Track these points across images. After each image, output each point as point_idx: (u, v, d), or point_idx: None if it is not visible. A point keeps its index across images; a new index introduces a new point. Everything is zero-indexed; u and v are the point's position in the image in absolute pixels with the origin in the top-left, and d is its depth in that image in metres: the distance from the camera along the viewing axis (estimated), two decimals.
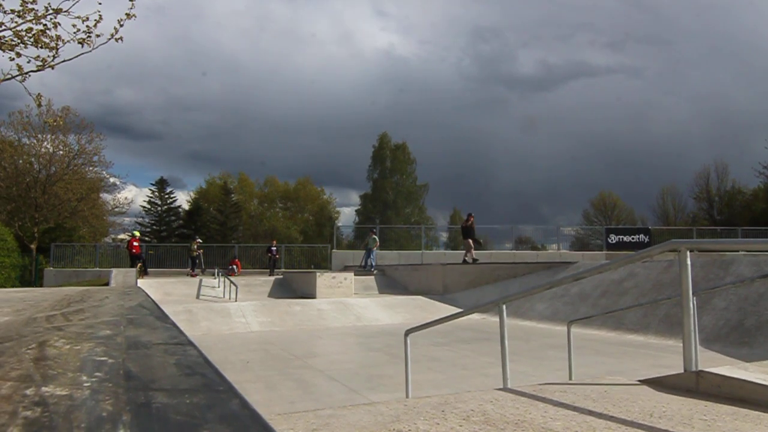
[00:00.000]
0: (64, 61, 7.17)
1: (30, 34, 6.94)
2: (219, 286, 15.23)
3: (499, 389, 2.70)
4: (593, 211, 45.14)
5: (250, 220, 43.92)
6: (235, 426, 0.72)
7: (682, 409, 2.17)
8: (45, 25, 7.00)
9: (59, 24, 7.02)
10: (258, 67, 68.05)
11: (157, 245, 26.82)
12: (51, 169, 27.07)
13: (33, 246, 25.04)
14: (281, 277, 17.80)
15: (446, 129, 63.61)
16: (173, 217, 43.32)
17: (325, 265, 23.44)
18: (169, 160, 65.35)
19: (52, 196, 26.64)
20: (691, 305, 2.66)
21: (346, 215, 54.94)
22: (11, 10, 6.81)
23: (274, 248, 22.08)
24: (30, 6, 6.90)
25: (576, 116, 63.11)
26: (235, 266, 21.07)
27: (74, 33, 7.04)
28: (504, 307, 3.53)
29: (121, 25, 7.25)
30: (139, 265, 17.68)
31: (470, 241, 16.78)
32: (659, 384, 2.64)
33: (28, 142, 27.28)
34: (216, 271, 16.91)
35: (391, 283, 17.43)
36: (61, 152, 27.62)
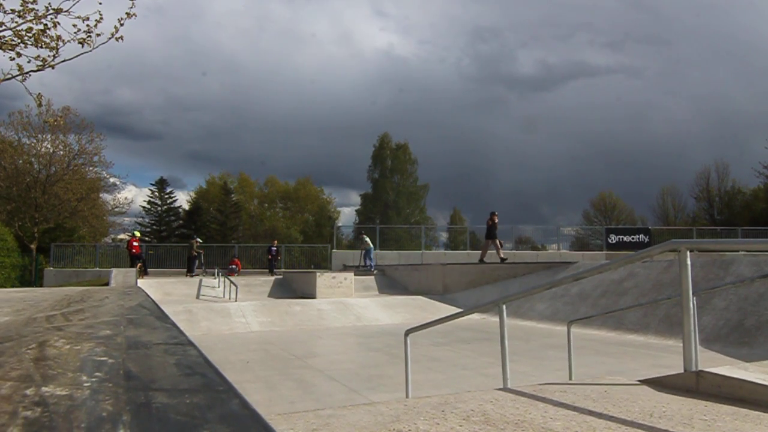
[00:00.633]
0: (64, 60, 7.17)
1: (30, 34, 6.94)
2: (219, 286, 15.23)
3: (499, 389, 2.70)
4: (593, 211, 45.17)
5: (250, 220, 43.94)
6: (235, 426, 0.72)
7: (682, 409, 2.17)
8: (45, 24, 7.00)
9: (59, 24, 7.02)
10: (258, 67, 68.10)
11: (157, 245, 26.83)
12: (51, 169, 27.07)
13: (33, 246, 25.04)
14: (281, 277, 17.81)
15: (446, 129, 63.63)
16: (173, 217, 43.35)
17: (325, 265, 23.44)
18: (169, 160, 65.42)
19: (52, 196, 26.64)
20: (691, 305, 2.66)
21: (346, 215, 54.96)
22: (11, 9, 6.81)
23: (274, 248, 22.07)
24: (30, 6, 6.90)
25: (576, 116, 63.15)
26: (235, 266, 21.07)
27: (74, 33, 7.04)
28: (504, 307, 3.53)
29: (122, 25, 7.25)
30: (139, 265, 17.68)
31: (496, 240, 16.47)
32: (659, 384, 2.64)
33: (28, 142, 27.31)
34: (216, 271, 16.92)
35: (391, 283, 17.43)
36: (61, 152, 27.63)
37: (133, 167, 75.79)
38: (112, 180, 31.00)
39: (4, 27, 6.88)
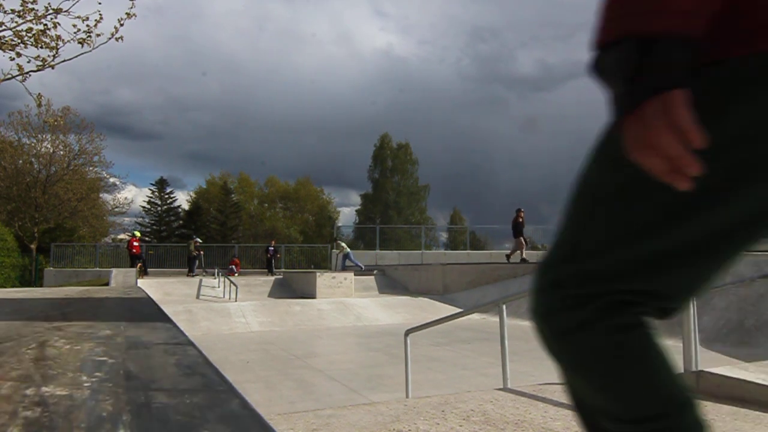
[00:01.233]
0: (64, 60, 7.17)
1: (30, 34, 6.94)
2: (219, 286, 15.23)
3: (499, 389, 2.70)
4: None
5: (250, 220, 43.93)
6: (235, 426, 0.72)
7: None
8: (45, 25, 7.00)
9: (59, 24, 7.03)
10: (257, 67, 68.15)
11: (157, 245, 26.82)
12: (51, 169, 27.08)
13: (33, 246, 25.05)
14: (281, 277, 17.81)
15: (445, 129, 63.65)
16: (173, 217, 43.33)
17: (325, 265, 23.44)
18: (169, 160, 65.44)
19: (52, 196, 26.64)
20: (691, 305, 2.66)
21: (346, 215, 54.99)
22: (11, 10, 6.81)
23: (272, 248, 22.06)
24: (30, 6, 6.91)
25: (576, 116, 63.16)
26: (234, 266, 21.08)
27: (74, 33, 7.04)
28: (504, 307, 3.54)
29: (122, 25, 7.26)
30: (139, 265, 17.68)
31: (522, 239, 15.87)
32: None
33: (28, 142, 27.31)
34: (216, 271, 16.91)
35: (391, 283, 17.43)
36: (61, 152, 27.64)
37: (133, 167, 75.84)
38: (112, 180, 31.03)
39: (4, 27, 6.89)
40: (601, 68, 0.72)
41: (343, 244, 19.70)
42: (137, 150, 64.53)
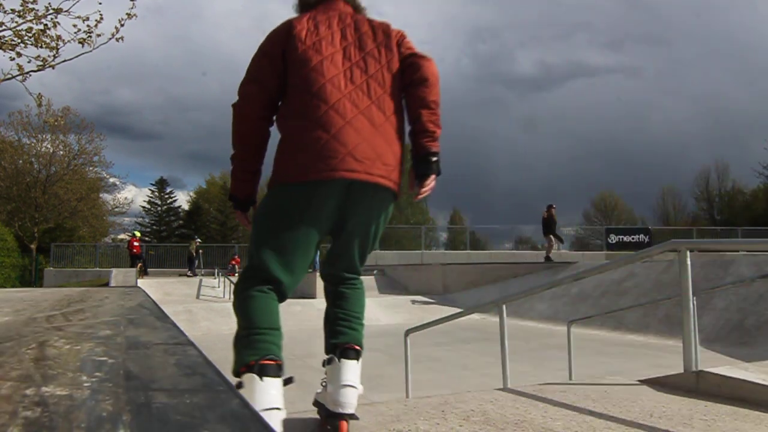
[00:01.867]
0: (64, 60, 7.18)
1: (30, 34, 6.94)
2: (219, 286, 15.23)
3: (499, 389, 2.70)
4: (593, 211, 45.15)
5: None
6: (235, 426, 0.72)
7: (682, 409, 2.17)
8: (45, 24, 7.00)
9: (59, 24, 7.03)
10: None
11: (157, 245, 26.82)
12: (51, 169, 27.08)
13: (33, 246, 25.05)
14: None
15: (445, 128, 63.26)
16: (173, 217, 43.37)
17: None
18: (169, 160, 65.50)
19: (52, 196, 26.65)
20: (691, 305, 2.66)
21: None
22: (11, 9, 6.82)
23: None
24: (30, 6, 6.91)
25: (575, 116, 63.20)
26: (235, 264, 21.10)
27: (75, 33, 7.04)
28: (504, 307, 3.54)
29: (122, 25, 7.26)
30: (139, 265, 17.69)
31: (552, 236, 15.23)
32: (659, 384, 2.64)
33: (28, 142, 27.32)
34: (216, 271, 16.92)
35: (391, 283, 17.43)
36: (61, 152, 27.65)
37: (133, 167, 75.90)
38: (112, 180, 31.03)
39: (4, 27, 6.89)
40: None
41: None
42: (137, 150, 64.61)
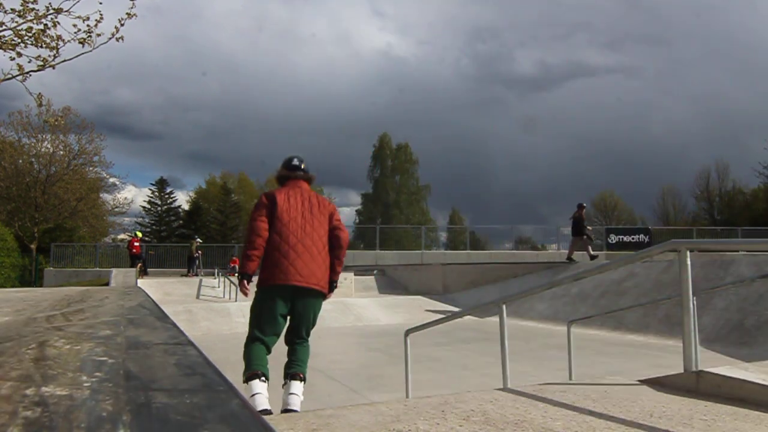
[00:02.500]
0: (64, 60, 7.17)
1: (30, 34, 6.94)
2: (219, 286, 15.23)
3: (499, 389, 2.70)
4: (593, 211, 45.13)
5: None
6: (235, 426, 0.72)
7: (682, 409, 2.17)
8: (45, 24, 7.00)
9: (59, 24, 7.03)
10: (257, 67, 68.09)
11: (157, 245, 26.80)
12: (51, 169, 27.07)
13: (33, 246, 25.05)
14: None
15: (445, 129, 63.58)
16: (173, 217, 43.35)
17: None
18: (169, 160, 65.41)
19: (52, 196, 26.64)
20: (691, 305, 2.66)
21: (345, 215, 54.81)
22: (12, 9, 6.81)
23: None
24: (30, 6, 6.90)
25: (575, 116, 63.13)
26: (235, 265, 21.10)
27: (75, 33, 7.04)
28: (504, 307, 3.53)
29: (122, 25, 7.26)
30: (139, 265, 17.68)
31: (584, 237, 14.08)
32: (659, 384, 2.64)
33: (28, 142, 27.31)
34: (216, 271, 16.91)
35: (391, 283, 17.43)
36: (61, 152, 27.64)
37: (133, 167, 75.76)
38: (111, 180, 31.01)
39: (4, 27, 6.88)
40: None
41: None
42: (137, 150, 64.52)
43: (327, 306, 12.64)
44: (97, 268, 20.16)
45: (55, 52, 7.04)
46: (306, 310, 3.27)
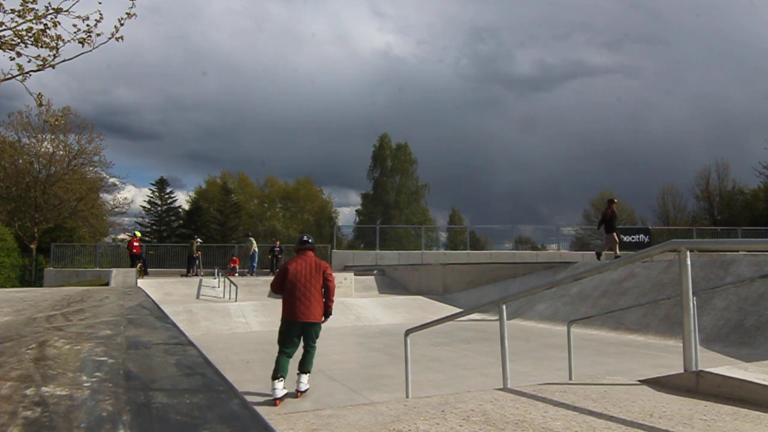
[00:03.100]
0: (64, 60, 7.17)
1: (30, 34, 6.93)
2: (219, 286, 15.23)
3: (499, 389, 2.70)
4: (594, 211, 45.13)
5: (250, 220, 43.88)
6: (235, 426, 0.72)
7: (682, 409, 2.17)
8: (45, 24, 6.99)
9: (59, 23, 7.02)
10: (256, 67, 68.10)
11: (157, 245, 26.80)
12: (51, 169, 27.06)
13: (33, 246, 25.04)
14: None
15: (444, 129, 63.58)
16: (173, 217, 43.31)
17: None
18: (168, 160, 65.34)
19: (52, 196, 26.64)
20: (691, 305, 2.65)
21: (345, 215, 54.94)
22: (11, 9, 6.81)
23: (278, 248, 22.08)
24: (30, 5, 6.90)
25: (575, 116, 63.15)
26: (235, 265, 21.09)
27: (74, 33, 7.03)
28: (504, 307, 3.53)
29: (122, 25, 7.25)
30: (139, 265, 17.67)
31: (615, 235, 13.50)
32: (659, 384, 2.64)
33: (28, 142, 27.30)
34: (216, 271, 16.89)
35: (391, 283, 17.43)
36: (61, 152, 27.62)
37: (132, 167, 75.64)
38: (111, 180, 30.99)
39: (4, 27, 6.88)
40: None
41: (253, 240, 19.20)
42: (137, 150, 64.48)
43: None
44: (97, 268, 20.16)
45: (54, 52, 7.03)
46: (309, 332, 5.43)
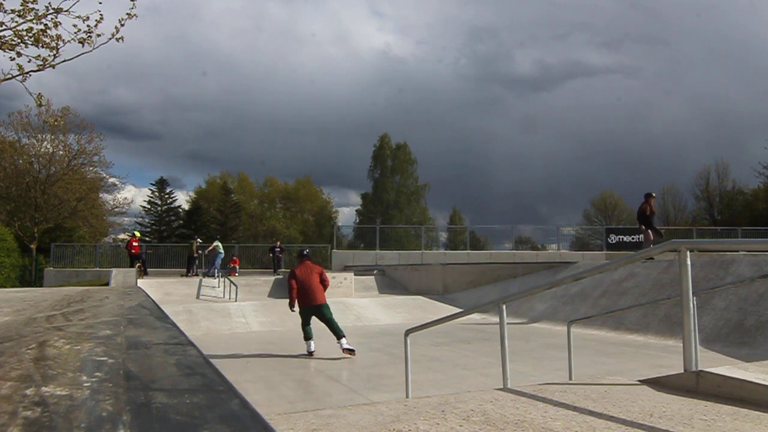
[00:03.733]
0: (64, 60, 7.17)
1: (30, 34, 6.93)
2: (219, 286, 15.22)
3: (499, 389, 2.70)
4: (593, 211, 45.15)
5: (250, 220, 43.91)
6: (235, 426, 0.72)
7: (682, 409, 2.17)
8: (45, 24, 6.99)
9: (60, 23, 7.02)
10: (256, 67, 68.11)
11: (157, 245, 26.80)
12: (51, 169, 27.08)
13: (33, 246, 25.05)
14: (281, 277, 17.79)
15: (444, 129, 63.59)
16: (173, 217, 43.32)
17: (325, 265, 23.43)
18: (168, 160, 65.37)
19: (52, 196, 26.65)
20: (691, 305, 2.65)
21: (345, 215, 54.94)
22: (12, 9, 6.81)
23: (278, 248, 22.07)
24: (30, 6, 6.90)
25: (575, 116, 63.15)
26: (235, 265, 21.09)
27: (75, 33, 7.03)
28: (504, 307, 3.53)
29: (122, 25, 7.25)
30: (139, 265, 17.66)
31: (650, 231, 12.73)
32: (659, 384, 2.64)
33: (28, 142, 27.32)
34: (216, 271, 16.89)
35: (391, 283, 17.43)
36: (61, 152, 27.65)
37: (132, 167, 75.81)
38: (111, 180, 31.01)
39: (4, 27, 6.88)
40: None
41: (218, 243, 18.94)
42: (137, 150, 64.47)
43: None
44: (97, 268, 20.17)
45: (55, 52, 7.04)
46: (322, 311, 7.82)
